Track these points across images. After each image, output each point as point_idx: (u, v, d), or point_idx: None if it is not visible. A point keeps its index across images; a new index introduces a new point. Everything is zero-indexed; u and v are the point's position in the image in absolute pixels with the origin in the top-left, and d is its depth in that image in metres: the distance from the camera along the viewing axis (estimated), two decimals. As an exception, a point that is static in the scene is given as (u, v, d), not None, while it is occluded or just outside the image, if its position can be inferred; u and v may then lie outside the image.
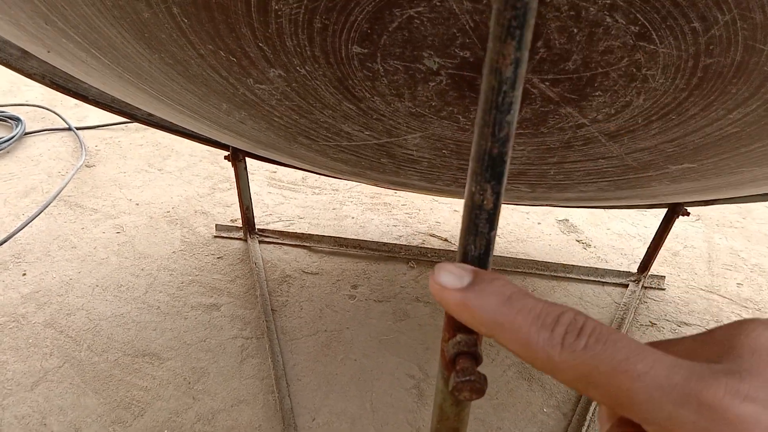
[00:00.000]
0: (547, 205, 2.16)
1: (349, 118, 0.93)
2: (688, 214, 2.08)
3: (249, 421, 1.64)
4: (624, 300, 2.20)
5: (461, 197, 1.57)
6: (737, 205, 3.01)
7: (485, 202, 0.56)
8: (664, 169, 1.00)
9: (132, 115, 1.95)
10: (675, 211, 2.10)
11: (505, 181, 0.54)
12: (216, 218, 2.51)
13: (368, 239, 2.43)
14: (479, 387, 0.61)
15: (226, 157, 2.11)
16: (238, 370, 1.79)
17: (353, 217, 2.62)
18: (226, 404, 1.67)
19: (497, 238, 2.57)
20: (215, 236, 2.38)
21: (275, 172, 2.91)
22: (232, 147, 2.06)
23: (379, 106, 0.86)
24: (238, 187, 2.17)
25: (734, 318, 2.19)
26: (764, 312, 2.23)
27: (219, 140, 1.81)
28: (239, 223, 2.45)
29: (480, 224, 0.58)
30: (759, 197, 1.99)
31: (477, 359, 0.63)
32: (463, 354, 0.63)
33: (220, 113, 1.09)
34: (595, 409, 1.77)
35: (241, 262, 2.24)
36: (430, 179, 1.20)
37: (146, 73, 0.99)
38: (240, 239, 2.37)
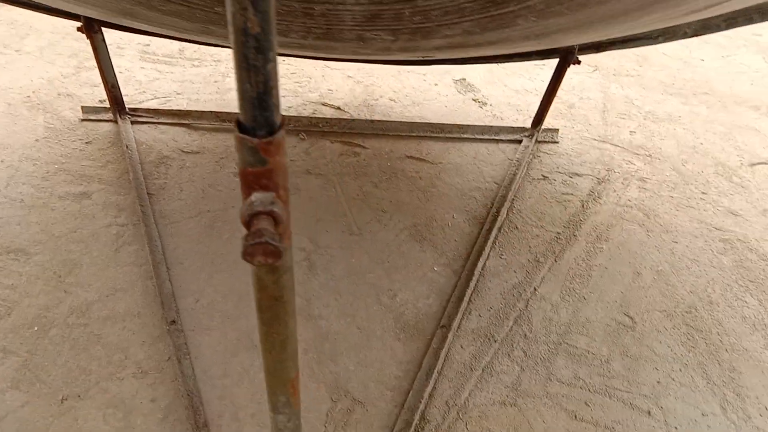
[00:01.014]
0: (428, 59, 2.05)
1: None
2: (578, 62, 2.02)
3: (127, 309, 1.55)
4: (517, 156, 2.17)
5: (324, 53, 1.44)
6: (634, 53, 2.99)
7: (249, 25, 0.44)
8: (524, 2, 0.90)
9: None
10: (566, 60, 2.04)
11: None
12: (83, 100, 2.29)
13: (254, 111, 2.28)
14: (273, 249, 0.52)
15: (79, 29, 1.88)
16: (113, 258, 1.68)
17: (237, 89, 2.44)
18: (101, 294, 1.57)
19: (392, 104, 2.47)
20: (82, 119, 2.17)
21: (148, 45, 2.66)
22: (84, 17, 1.83)
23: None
24: (99, 63, 1.95)
25: (625, 166, 2.20)
26: (654, 158, 2.26)
27: (58, 7, 1.58)
28: (108, 104, 2.24)
29: (249, 54, 0.46)
30: (645, 41, 1.94)
31: (276, 219, 0.54)
32: (258, 214, 0.53)
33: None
34: (484, 264, 1.77)
35: (113, 146, 2.06)
36: (280, 30, 1.07)
37: None
38: (110, 121, 2.17)
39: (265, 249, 0.51)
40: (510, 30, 1.08)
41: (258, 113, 0.48)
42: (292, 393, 0.81)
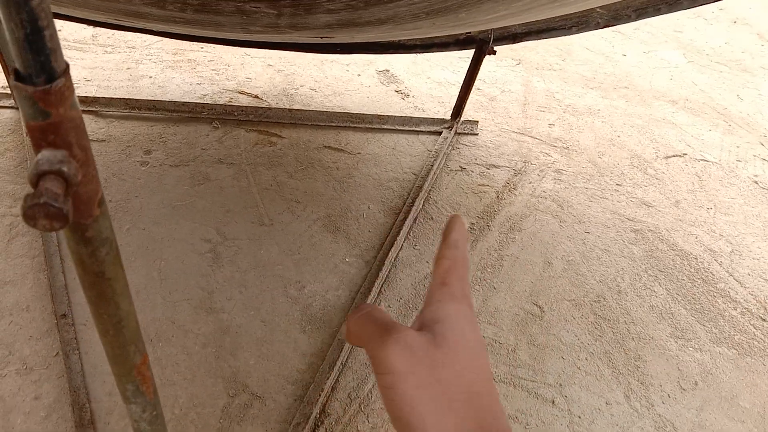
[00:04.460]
0: (342, 45, 2.00)
1: None
2: (494, 52, 2.01)
3: (15, 302, 1.46)
4: (436, 147, 2.15)
5: (214, 31, 1.38)
6: (558, 47, 3.02)
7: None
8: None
9: None
10: (481, 51, 2.03)
11: None
12: (-18, 85, 2.17)
13: (167, 99, 2.20)
14: (57, 212, 0.46)
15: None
16: (4, 250, 1.58)
17: (151, 77, 2.35)
18: (-15, 289, 1.48)
19: (312, 94, 2.42)
20: (-19, 105, 2.06)
21: (60, 30, 2.54)
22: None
23: None
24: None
25: (542, 158, 2.21)
26: (572, 150, 2.27)
27: None
28: (9, 90, 2.12)
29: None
30: (560, 31, 1.95)
31: (67, 180, 0.49)
32: (45, 174, 0.48)
33: None
34: (397, 255, 1.74)
35: (13, 134, 1.95)
36: (153, 2, 1.01)
37: None
38: (12, 107, 2.06)
39: (46, 211, 0.45)
40: (394, 5, 1.05)
41: (31, 57, 0.43)
42: (141, 381, 0.75)
